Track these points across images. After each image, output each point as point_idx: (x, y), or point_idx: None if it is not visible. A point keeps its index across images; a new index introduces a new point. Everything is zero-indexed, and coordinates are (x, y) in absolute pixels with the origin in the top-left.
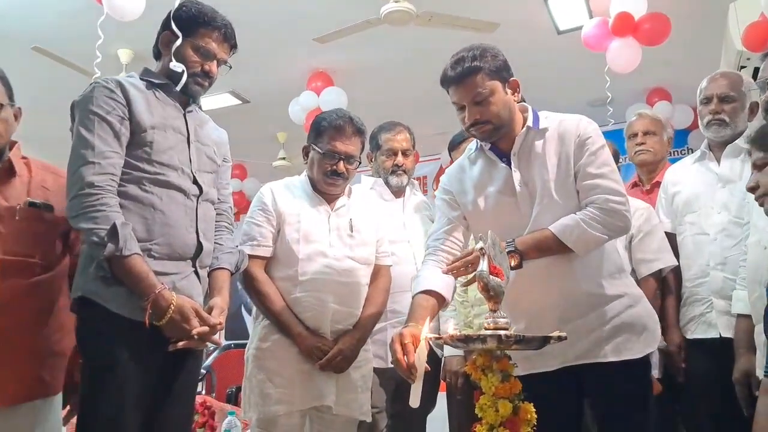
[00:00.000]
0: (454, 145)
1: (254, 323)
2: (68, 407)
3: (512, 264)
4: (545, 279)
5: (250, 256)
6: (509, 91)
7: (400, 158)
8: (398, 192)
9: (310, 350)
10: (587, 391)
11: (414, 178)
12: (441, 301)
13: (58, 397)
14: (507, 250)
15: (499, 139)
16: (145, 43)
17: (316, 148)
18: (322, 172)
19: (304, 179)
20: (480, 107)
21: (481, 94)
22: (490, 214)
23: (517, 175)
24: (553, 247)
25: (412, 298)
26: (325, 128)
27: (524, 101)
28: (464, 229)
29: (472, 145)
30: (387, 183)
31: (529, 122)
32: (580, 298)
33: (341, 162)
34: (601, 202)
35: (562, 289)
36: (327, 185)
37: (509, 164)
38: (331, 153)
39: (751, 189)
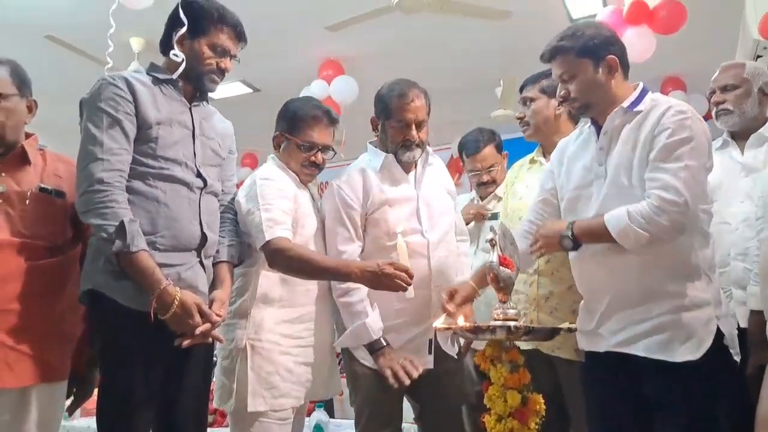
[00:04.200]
0: (470, 152)
1: (251, 312)
2: (72, 397)
3: (565, 246)
4: (608, 264)
5: (281, 238)
6: (603, 70)
7: (413, 132)
8: (408, 165)
9: (374, 274)
10: (645, 386)
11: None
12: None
13: (63, 384)
14: (564, 233)
15: (599, 115)
16: (157, 31)
17: (294, 139)
18: (299, 162)
19: (285, 168)
20: (566, 84)
21: (567, 73)
22: (571, 186)
23: (601, 154)
24: (604, 236)
25: None
26: (302, 119)
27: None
28: (556, 202)
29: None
30: (397, 158)
31: (626, 103)
32: (633, 289)
33: (319, 153)
34: (653, 197)
35: (621, 277)
36: (305, 176)
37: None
38: (312, 144)
39: None
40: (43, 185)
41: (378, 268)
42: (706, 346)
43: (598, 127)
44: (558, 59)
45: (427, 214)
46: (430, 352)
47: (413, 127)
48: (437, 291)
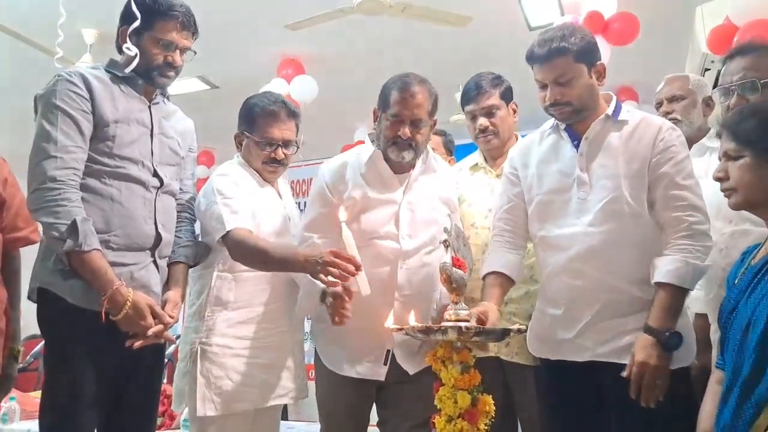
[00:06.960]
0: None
1: (205, 315)
2: None
3: (674, 346)
4: (593, 272)
5: (241, 229)
6: (594, 76)
7: (406, 129)
8: (400, 166)
9: (315, 263)
10: (608, 392)
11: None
12: (509, 281)
13: None
14: (663, 339)
15: (580, 121)
16: (112, 24)
17: (252, 137)
18: (260, 159)
19: (246, 166)
20: (562, 88)
21: (564, 76)
22: (544, 190)
23: (581, 160)
24: (680, 301)
25: (483, 279)
26: (258, 115)
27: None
28: (526, 206)
29: (548, 122)
30: (386, 156)
31: (609, 111)
32: (623, 298)
33: (279, 149)
34: (685, 227)
35: (608, 285)
36: (268, 173)
37: (579, 147)
38: (270, 140)
39: (719, 179)
40: None
41: (319, 255)
42: (695, 350)
43: (572, 132)
44: (557, 60)
45: (408, 220)
46: (385, 364)
47: (407, 123)
48: (403, 302)
